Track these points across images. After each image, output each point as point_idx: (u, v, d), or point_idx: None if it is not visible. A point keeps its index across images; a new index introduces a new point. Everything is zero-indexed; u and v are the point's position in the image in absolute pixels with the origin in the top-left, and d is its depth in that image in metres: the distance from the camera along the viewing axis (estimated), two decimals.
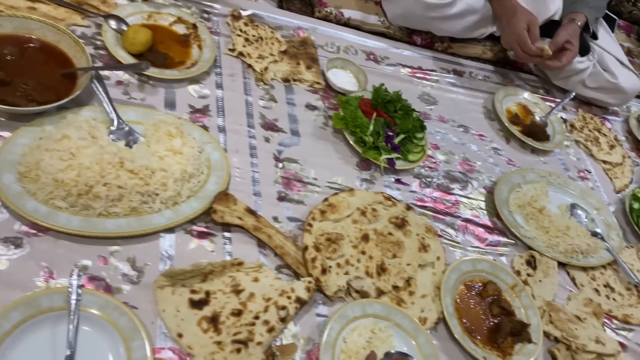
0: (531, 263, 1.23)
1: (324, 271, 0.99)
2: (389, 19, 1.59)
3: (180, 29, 1.28)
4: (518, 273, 1.19)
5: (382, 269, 1.05)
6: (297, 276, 0.99)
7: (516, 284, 1.14)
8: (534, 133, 1.53)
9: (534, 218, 1.30)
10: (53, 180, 0.89)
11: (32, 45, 1.06)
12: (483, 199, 1.32)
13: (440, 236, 1.18)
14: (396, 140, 1.25)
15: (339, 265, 1.02)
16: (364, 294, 1.01)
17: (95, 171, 0.91)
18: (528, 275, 1.20)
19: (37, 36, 1.07)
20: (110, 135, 1.00)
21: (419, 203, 1.23)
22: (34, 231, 0.87)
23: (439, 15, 1.53)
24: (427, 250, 1.11)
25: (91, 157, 0.92)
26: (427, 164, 1.32)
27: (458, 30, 1.59)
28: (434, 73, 1.58)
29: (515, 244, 1.26)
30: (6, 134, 0.95)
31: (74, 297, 0.80)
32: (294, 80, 1.33)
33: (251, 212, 1.03)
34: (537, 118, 1.60)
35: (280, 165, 1.15)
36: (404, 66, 1.55)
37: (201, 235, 0.98)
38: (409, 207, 1.17)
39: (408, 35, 1.62)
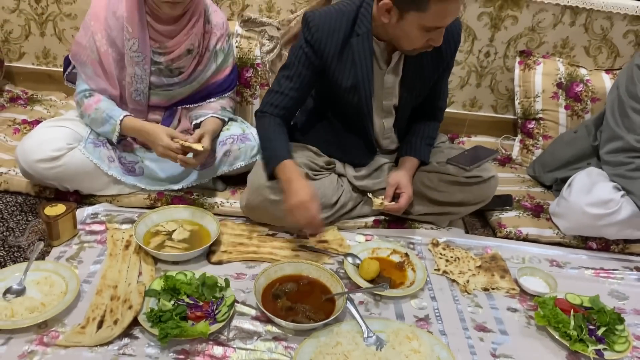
0: None
1: None
2: (562, 231, 1.85)
3: (395, 258, 1.66)
4: None
5: None
6: None
7: None
8: None
9: None
10: None
11: (303, 280, 1.50)
12: None
13: None
14: (599, 333, 1.39)
15: None
16: None
17: None
18: None
19: (306, 274, 1.51)
20: (364, 342, 1.32)
21: None
22: None
23: (608, 223, 1.75)
24: None
25: (358, 358, 1.24)
26: (635, 354, 1.41)
27: (630, 232, 1.78)
28: (617, 272, 1.74)
29: None
30: (294, 345, 1.32)
31: None
32: (492, 288, 1.59)
33: None
34: None
35: None
36: (587, 268, 1.74)
37: None
38: None
39: (583, 242, 1.84)
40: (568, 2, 2.23)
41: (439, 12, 1.41)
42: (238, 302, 1.43)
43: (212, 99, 1.84)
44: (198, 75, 1.77)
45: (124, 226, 1.66)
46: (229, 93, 1.88)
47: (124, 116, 1.68)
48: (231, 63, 1.87)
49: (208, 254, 1.59)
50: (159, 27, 1.65)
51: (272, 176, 1.62)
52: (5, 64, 2.33)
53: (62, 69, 1.84)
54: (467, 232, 1.88)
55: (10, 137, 2.03)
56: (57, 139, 1.65)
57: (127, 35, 1.65)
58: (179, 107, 1.84)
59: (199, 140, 1.65)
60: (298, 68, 1.64)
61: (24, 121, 2.14)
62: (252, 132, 1.85)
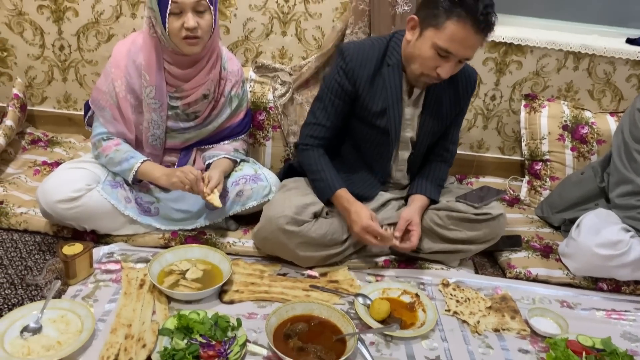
0: None
1: None
2: (572, 272, 1.85)
3: (406, 299, 1.67)
4: None
5: None
6: None
7: None
8: None
9: None
10: None
11: (314, 320, 1.51)
12: None
13: None
14: None
15: None
16: None
17: None
18: None
19: (316, 314, 1.52)
20: None
21: None
22: None
23: (618, 264, 1.75)
24: None
25: None
26: None
27: None
28: (629, 313, 1.73)
29: None
30: None
31: None
32: (503, 329, 1.59)
33: None
34: None
35: None
36: (598, 309, 1.73)
37: None
38: None
39: (594, 283, 1.84)
40: (571, 47, 2.30)
41: (453, 33, 1.54)
42: (250, 341, 1.44)
43: (226, 141, 1.91)
44: (213, 119, 1.85)
45: (139, 265, 1.69)
46: (243, 136, 1.95)
47: (144, 160, 1.77)
48: (245, 107, 1.94)
49: (220, 294, 1.61)
50: (176, 72, 1.73)
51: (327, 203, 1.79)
52: (28, 107, 2.43)
53: (81, 112, 1.91)
54: (477, 272, 1.89)
55: (30, 178, 2.09)
56: (77, 180, 1.71)
57: (145, 82, 1.73)
58: (194, 148, 1.91)
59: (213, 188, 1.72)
60: (331, 98, 1.77)
61: (44, 162, 2.21)
62: (264, 172, 1.90)
